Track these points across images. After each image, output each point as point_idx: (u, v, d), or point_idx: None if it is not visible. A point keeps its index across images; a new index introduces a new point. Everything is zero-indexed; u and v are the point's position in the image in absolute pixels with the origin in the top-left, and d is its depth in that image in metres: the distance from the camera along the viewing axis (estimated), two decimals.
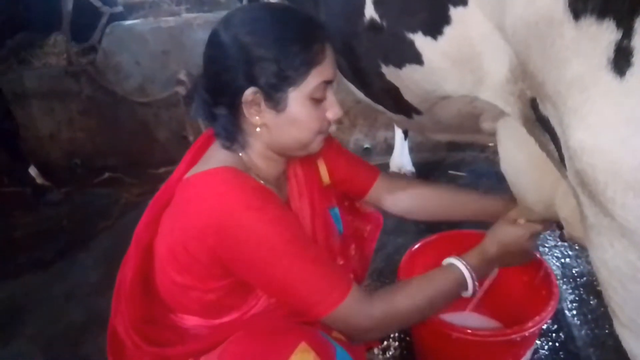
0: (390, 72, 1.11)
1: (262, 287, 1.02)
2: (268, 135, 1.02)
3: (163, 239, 1.04)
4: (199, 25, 2.94)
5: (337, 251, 1.20)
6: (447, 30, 0.89)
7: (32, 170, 2.90)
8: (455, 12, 0.86)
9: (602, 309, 1.70)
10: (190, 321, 1.05)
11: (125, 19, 3.18)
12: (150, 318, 1.06)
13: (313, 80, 0.97)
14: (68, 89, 3.16)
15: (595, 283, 1.82)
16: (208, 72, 1.02)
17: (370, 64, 1.17)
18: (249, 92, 0.95)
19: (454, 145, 2.98)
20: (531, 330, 1.21)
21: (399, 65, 1.05)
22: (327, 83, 1.01)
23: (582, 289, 1.81)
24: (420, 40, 0.96)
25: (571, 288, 1.82)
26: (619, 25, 0.56)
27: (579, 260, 1.95)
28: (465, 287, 1.07)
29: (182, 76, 2.81)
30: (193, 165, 1.07)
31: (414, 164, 2.78)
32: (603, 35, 0.57)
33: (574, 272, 1.89)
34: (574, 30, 0.60)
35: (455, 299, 1.10)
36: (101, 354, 1.17)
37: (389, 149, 2.97)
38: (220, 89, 1.00)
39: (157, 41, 3.03)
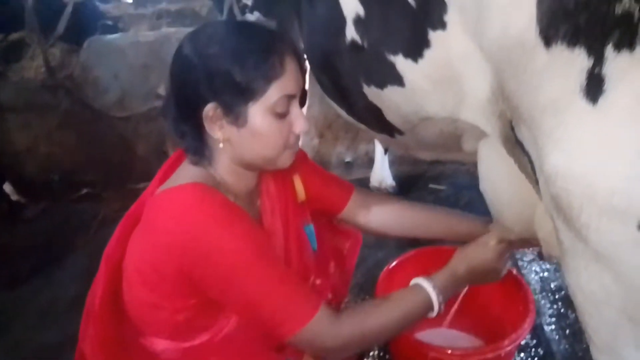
0: (372, 93, 1.11)
1: (230, 305, 1.00)
2: (232, 150, 1.00)
3: (131, 257, 1.01)
4: (179, 40, 2.89)
5: (312, 269, 1.18)
6: (427, 53, 0.89)
7: (7, 187, 2.84)
8: (434, 36, 0.86)
9: (580, 323, 1.72)
10: (160, 345, 1.02)
11: (90, 6, 3.13)
12: (119, 341, 1.04)
13: (273, 94, 0.95)
14: (45, 103, 3.11)
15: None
16: (173, 87, 1.01)
17: (352, 84, 1.17)
18: (209, 108, 0.94)
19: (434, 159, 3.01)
20: (508, 348, 1.21)
21: (381, 86, 1.05)
22: (291, 97, 0.98)
23: (560, 303, 1.82)
24: (400, 63, 0.96)
25: (550, 302, 1.83)
26: (589, 52, 0.56)
27: (557, 274, 1.96)
28: (431, 308, 1.07)
29: (162, 90, 2.80)
30: (164, 182, 1.05)
31: (395, 177, 2.79)
32: (575, 62, 0.58)
33: (552, 286, 1.90)
34: (546, 56, 0.61)
35: (421, 319, 1.10)
36: None
37: (370, 162, 2.98)
38: (183, 103, 0.99)
39: (137, 55, 3.01)
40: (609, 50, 0.54)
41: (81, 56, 3.02)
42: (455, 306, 1.35)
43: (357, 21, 1.05)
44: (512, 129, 0.78)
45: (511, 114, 0.77)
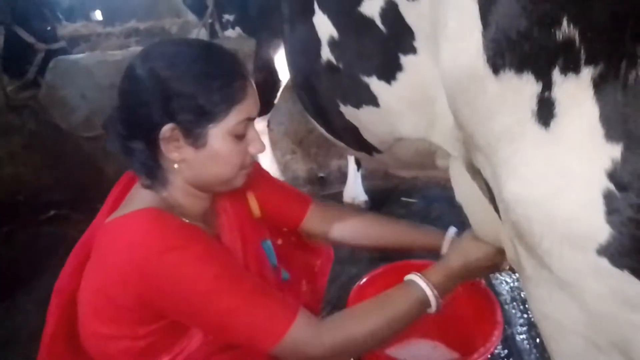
0: (349, 112, 1.12)
1: (201, 328, 0.97)
2: (188, 171, 0.98)
3: (85, 291, 0.97)
4: None
5: (272, 283, 1.17)
6: (400, 76, 0.90)
7: None
8: (406, 60, 0.88)
9: None
10: None
11: (68, 54, 3.12)
12: None
13: (234, 117, 0.96)
14: (10, 123, 3.05)
15: None
16: (123, 105, 0.97)
17: (330, 103, 1.18)
18: (167, 128, 0.92)
19: None
20: (489, 352, 1.22)
21: (357, 105, 1.06)
22: (249, 120, 0.99)
23: (530, 313, 1.84)
24: (375, 84, 0.97)
25: (520, 312, 1.85)
26: (537, 78, 0.56)
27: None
28: (428, 306, 1.02)
29: None
30: (115, 209, 1.02)
31: (367, 191, 2.81)
32: (524, 88, 0.58)
33: (522, 295, 1.93)
34: (495, 84, 0.60)
35: (417, 318, 1.03)
36: None
37: (342, 177, 3.00)
38: (136, 123, 0.96)
39: (104, 74, 2.98)
40: (556, 75, 0.55)
41: (47, 76, 2.96)
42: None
43: (332, 43, 1.07)
44: None
45: (468, 143, 0.77)
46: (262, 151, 1.04)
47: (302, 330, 0.92)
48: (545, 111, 0.57)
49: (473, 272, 1.10)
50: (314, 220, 1.31)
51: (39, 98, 2.98)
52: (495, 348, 1.28)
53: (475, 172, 0.83)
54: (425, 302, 1.01)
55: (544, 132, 0.58)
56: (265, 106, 2.24)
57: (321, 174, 3.21)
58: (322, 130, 1.43)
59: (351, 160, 2.80)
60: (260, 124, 2.37)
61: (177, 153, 0.95)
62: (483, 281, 1.49)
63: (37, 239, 2.76)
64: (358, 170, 2.79)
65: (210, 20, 3.19)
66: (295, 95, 2.65)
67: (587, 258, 0.57)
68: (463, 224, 2.62)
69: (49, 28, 3.08)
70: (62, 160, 3.12)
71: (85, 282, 0.97)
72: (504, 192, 0.65)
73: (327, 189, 3.08)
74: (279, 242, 1.34)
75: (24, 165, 3.14)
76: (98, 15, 4.64)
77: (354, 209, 1.47)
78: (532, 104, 0.58)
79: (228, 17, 3.21)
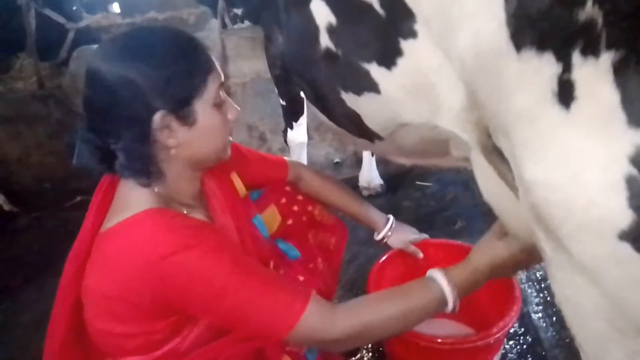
0: (350, 99, 1.11)
1: (218, 321, 0.98)
2: (185, 152, 1.00)
3: (92, 295, 0.97)
4: None
5: (269, 255, 1.20)
6: (400, 61, 0.89)
7: (0, 197, 2.85)
8: (406, 45, 0.86)
9: None
10: None
11: (91, 34, 3.16)
12: None
13: (212, 85, 0.99)
14: (36, 112, 3.13)
15: None
16: (98, 112, 0.96)
17: (330, 90, 1.17)
18: (158, 117, 0.93)
19: None
20: (496, 336, 1.24)
21: (358, 92, 1.05)
22: (222, 85, 1.03)
23: (546, 292, 1.86)
24: (375, 71, 0.96)
25: (536, 291, 1.87)
26: (558, 58, 0.55)
27: (542, 264, 2.00)
28: (446, 304, 1.01)
29: None
30: (102, 214, 1.02)
31: (382, 175, 2.84)
32: (544, 68, 0.57)
33: (537, 275, 1.95)
34: (517, 62, 0.59)
35: (433, 315, 1.03)
36: None
37: (358, 162, 3.02)
38: (120, 125, 0.95)
39: None
40: (576, 57, 0.54)
41: (71, 65, 3.03)
42: None
43: (330, 30, 1.06)
44: (490, 136, 0.77)
45: (488, 122, 0.75)
46: (238, 114, 1.07)
47: (314, 316, 0.93)
48: (565, 93, 0.56)
49: (498, 272, 1.07)
50: (291, 179, 1.42)
51: (64, 87, 3.05)
52: (514, 324, 1.29)
53: (490, 154, 0.81)
54: (443, 302, 1.01)
55: (564, 114, 0.57)
56: (296, 104, 2.21)
57: (337, 159, 3.23)
58: (323, 118, 1.44)
59: None
60: None
61: (172, 139, 0.97)
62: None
63: (65, 225, 2.84)
64: (372, 155, 2.81)
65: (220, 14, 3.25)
66: None
67: (607, 244, 0.57)
68: (477, 206, 2.64)
69: (74, 8, 3.12)
70: None
71: (91, 288, 0.97)
72: (524, 174, 0.64)
73: (343, 173, 3.11)
74: (289, 222, 1.38)
75: (50, 154, 3.23)
76: (116, 7, 4.69)
77: (328, 175, 1.57)
78: (552, 85, 0.57)
79: (236, 11, 3.26)
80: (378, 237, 1.50)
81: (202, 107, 0.98)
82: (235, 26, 3.30)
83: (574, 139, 0.57)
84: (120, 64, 0.93)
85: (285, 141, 2.43)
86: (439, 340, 1.25)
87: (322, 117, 1.44)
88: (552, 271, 0.71)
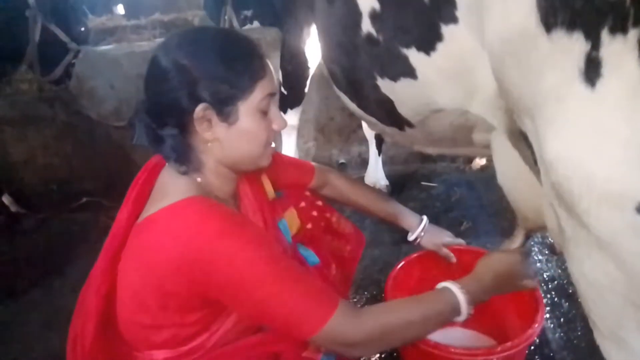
0: (385, 85, 1.14)
1: (247, 313, 1.00)
2: (220, 150, 1.03)
3: (128, 283, 1.00)
4: None
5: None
6: (440, 46, 0.92)
7: (6, 198, 2.86)
8: (446, 30, 0.90)
9: (574, 311, 1.75)
10: (160, 355, 1.03)
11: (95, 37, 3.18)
12: None
13: (259, 93, 1.01)
14: (42, 114, 3.14)
15: (566, 286, 1.88)
16: (152, 97, 1.02)
17: (366, 76, 1.20)
18: (200, 108, 0.97)
19: (426, 157, 3.06)
20: (519, 348, 1.21)
21: (394, 78, 1.09)
22: (272, 95, 1.05)
23: (553, 293, 1.86)
24: (414, 56, 0.99)
25: (543, 292, 1.86)
26: (587, 37, 0.58)
27: (549, 265, 2.00)
28: (459, 313, 1.05)
29: None
30: (141, 202, 1.05)
31: (388, 176, 2.84)
32: (574, 47, 0.60)
33: (545, 276, 1.94)
34: (547, 43, 0.63)
35: (446, 323, 1.08)
36: None
37: (363, 163, 3.02)
38: (167, 111, 1.00)
39: (131, 65, 3.04)
40: (605, 34, 0.57)
41: (76, 67, 3.04)
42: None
43: (373, 15, 1.09)
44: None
45: (513, 107, 0.78)
46: (284, 127, 1.10)
47: (342, 319, 0.95)
48: (592, 71, 0.59)
49: (503, 282, 1.14)
50: (317, 186, 1.44)
51: (70, 89, 3.06)
52: (537, 335, 1.25)
53: (517, 140, 0.85)
54: (457, 310, 1.05)
55: (589, 92, 0.60)
56: (297, 96, 2.27)
57: (342, 160, 3.24)
58: (352, 106, 1.44)
59: (372, 146, 2.82)
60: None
61: (210, 132, 1.00)
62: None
63: (71, 226, 2.86)
64: (379, 155, 2.81)
65: (226, 17, 3.27)
66: (318, 83, 2.67)
67: (625, 216, 0.60)
68: (483, 207, 2.63)
69: (82, 29, 3.14)
70: (93, 149, 3.20)
71: (132, 275, 0.99)
72: (546, 152, 0.67)
73: (348, 174, 3.11)
74: (309, 226, 1.39)
75: (56, 155, 3.24)
76: (120, 9, 4.71)
77: (350, 176, 1.57)
78: (580, 63, 0.60)
79: (246, 12, 3.28)
80: (411, 238, 1.48)
81: (245, 110, 1.01)
82: (244, 28, 3.32)
83: (598, 116, 0.60)
84: (178, 51, 0.98)
85: None
86: (456, 351, 1.21)
87: (351, 105, 1.45)
88: (570, 250, 0.73)
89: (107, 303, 1.03)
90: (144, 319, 0.99)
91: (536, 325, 1.24)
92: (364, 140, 2.97)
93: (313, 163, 1.47)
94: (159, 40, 3.21)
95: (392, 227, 2.30)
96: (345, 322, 0.95)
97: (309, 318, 0.94)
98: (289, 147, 2.47)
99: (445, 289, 1.07)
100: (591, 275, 0.70)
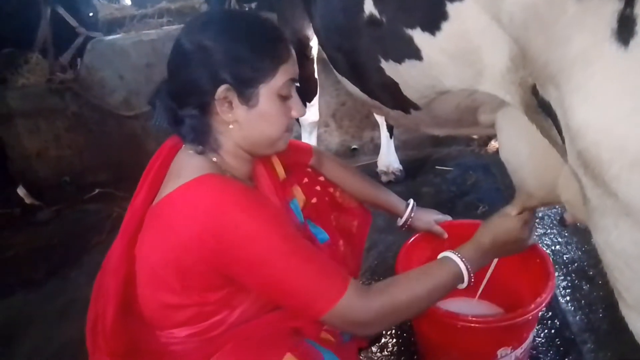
0: (389, 68, 1.12)
1: (260, 289, 1.01)
2: (239, 132, 1.04)
3: (148, 263, 1.01)
4: None
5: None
6: (445, 25, 0.90)
7: (21, 190, 2.89)
8: (452, 8, 0.87)
9: (595, 293, 1.72)
10: (181, 332, 1.04)
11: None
12: (133, 347, 1.05)
13: (281, 77, 1.02)
14: (53, 106, 3.15)
15: (586, 268, 1.84)
16: (175, 77, 1.04)
17: (369, 59, 1.18)
18: (222, 89, 0.98)
19: (439, 141, 3.02)
20: (534, 312, 1.21)
21: (399, 60, 1.06)
22: (293, 80, 1.05)
23: (574, 275, 1.82)
24: (418, 36, 0.97)
25: (563, 275, 1.83)
26: None
27: (569, 247, 1.97)
28: (461, 280, 1.08)
29: None
30: (157, 186, 1.06)
31: (401, 161, 2.81)
32: (606, 6, 0.58)
33: (564, 258, 1.91)
34: (575, 5, 0.61)
35: (451, 291, 1.10)
36: None
37: (375, 148, 2.99)
38: (189, 91, 1.01)
39: (140, 54, 3.03)
40: None
41: (85, 58, 3.04)
42: (487, 277, 1.39)
43: None
44: (534, 94, 0.78)
45: (535, 78, 0.76)
46: (302, 115, 1.10)
47: (353, 298, 0.96)
48: (625, 30, 0.57)
49: (503, 247, 1.18)
50: (313, 165, 1.44)
51: (80, 79, 3.06)
52: (550, 300, 1.25)
53: (534, 113, 0.83)
54: (459, 277, 1.07)
55: (622, 52, 0.58)
56: (308, 81, 2.24)
57: (354, 146, 3.21)
58: (355, 90, 1.42)
59: (384, 129, 2.79)
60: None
61: (230, 114, 1.01)
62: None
63: (84, 217, 2.89)
64: (390, 137, 2.78)
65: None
66: (328, 68, 2.64)
67: None
68: (499, 190, 2.59)
69: (91, 14, 3.13)
70: (104, 140, 3.22)
71: (152, 255, 1.00)
72: (573, 119, 0.65)
73: (360, 160, 3.09)
74: (314, 200, 1.39)
75: (69, 147, 3.26)
76: None
77: (347, 164, 1.56)
78: (612, 23, 0.58)
79: (252, 6, 3.25)
80: (400, 222, 1.49)
81: (266, 93, 1.01)
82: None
83: (631, 77, 0.58)
84: (201, 33, 0.99)
85: (297, 120, 2.43)
86: (475, 319, 1.22)
87: (354, 90, 1.43)
88: (595, 220, 0.72)
89: (126, 285, 1.04)
90: (166, 299, 1.01)
91: (548, 289, 1.24)
92: (376, 125, 2.94)
93: (310, 144, 1.48)
94: (167, 28, 3.20)
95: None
96: (355, 302, 0.96)
97: (320, 297, 0.95)
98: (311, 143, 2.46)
99: (446, 258, 1.09)
100: (618, 244, 0.69)
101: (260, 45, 1.00)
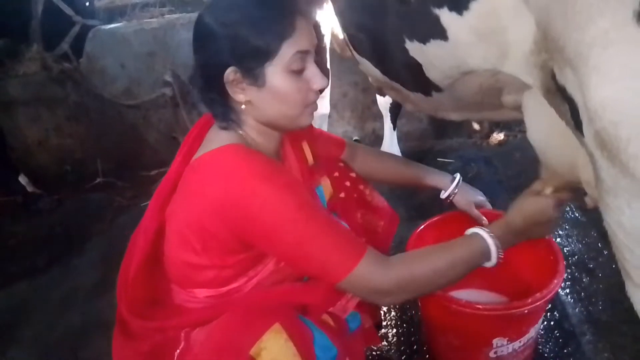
0: (414, 48, 1.12)
1: (279, 255, 1.04)
2: (254, 111, 1.05)
3: (175, 223, 1.07)
4: (183, 26, 2.94)
5: None
6: (473, 5, 0.90)
7: (22, 179, 2.89)
8: None
9: (595, 286, 1.72)
10: (201, 293, 1.09)
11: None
12: (151, 300, 1.12)
13: (286, 52, 0.99)
14: (54, 95, 3.14)
15: (586, 261, 1.85)
16: (197, 57, 1.06)
17: (393, 39, 1.19)
18: (229, 72, 0.99)
19: (441, 133, 3.01)
20: (530, 306, 1.20)
21: (424, 40, 1.07)
22: (304, 53, 1.02)
23: (573, 268, 1.83)
24: (445, 16, 0.97)
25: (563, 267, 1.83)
26: None
27: (569, 240, 1.97)
28: (488, 257, 1.06)
29: (168, 77, 2.81)
30: (192, 153, 1.10)
31: (403, 152, 2.79)
32: None
33: (565, 251, 1.91)
34: None
35: (476, 268, 1.08)
36: (100, 357, 1.16)
37: (377, 139, 2.99)
38: (209, 72, 1.03)
39: (141, 43, 3.02)
40: None
41: (86, 47, 3.02)
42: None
43: None
44: (553, 78, 0.79)
45: (554, 61, 0.77)
46: (324, 86, 1.07)
47: (370, 264, 0.97)
48: None
49: (534, 227, 1.14)
50: (346, 158, 1.43)
51: (81, 68, 3.05)
52: (555, 293, 1.25)
53: (552, 96, 0.84)
54: (486, 254, 1.05)
55: None
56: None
57: (356, 137, 3.20)
58: (375, 72, 1.40)
59: (387, 120, 2.78)
60: None
61: (242, 95, 1.02)
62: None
63: (85, 206, 2.89)
64: (394, 129, 2.77)
65: None
66: (330, 59, 2.62)
67: None
68: (500, 182, 2.58)
69: (87, 3, 3.11)
70: (106, 129, 3.21)
71: (175, 216, 1.07)
72: (591, 100, 0.66)
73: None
74: (342, 194, 1.39)
75: (70, 136, 3.26)
76: None
77: (378, 150, 1.55)
78: (634, 4, 0.58)
79: None
80: (444, 195, 1.47)
81: (273, 71, 1.00)
82: None
83: None
84: (207, 16, 1.01)
85: None
86: (483, 307, 1.22)
87: (373, 71, 1.42)
88: (608, 201, 0.74)
89: (155, 243, 1.11)
90: (188, 258, 1.05)
91: (555, 281, 1.24)
92: (378, 116, 2.93)
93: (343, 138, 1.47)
94: (168, 17, 3.18)
95: (408, 203, 2.31)
96: (373, 269, 0.97)
97: (338, 262, 0.97)
98: None
99: (475, 234, 1.08)
100: (629, 224, 0.70)
101: (259, 25, 0.98)
